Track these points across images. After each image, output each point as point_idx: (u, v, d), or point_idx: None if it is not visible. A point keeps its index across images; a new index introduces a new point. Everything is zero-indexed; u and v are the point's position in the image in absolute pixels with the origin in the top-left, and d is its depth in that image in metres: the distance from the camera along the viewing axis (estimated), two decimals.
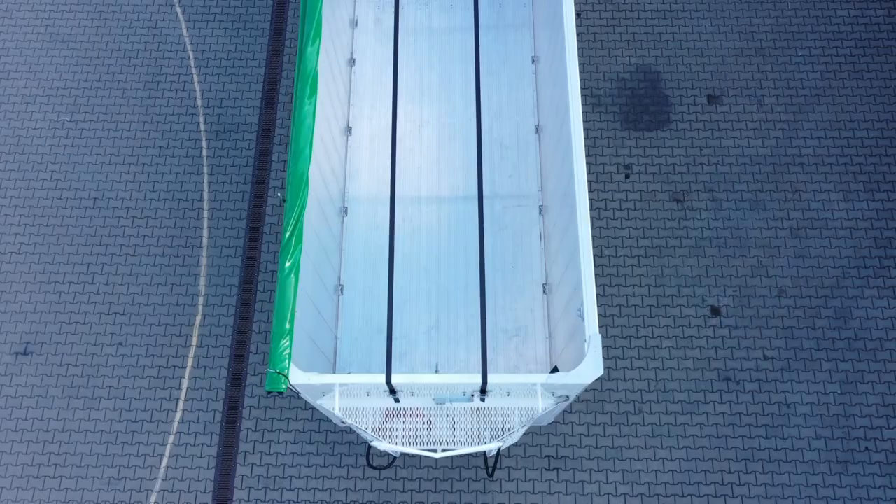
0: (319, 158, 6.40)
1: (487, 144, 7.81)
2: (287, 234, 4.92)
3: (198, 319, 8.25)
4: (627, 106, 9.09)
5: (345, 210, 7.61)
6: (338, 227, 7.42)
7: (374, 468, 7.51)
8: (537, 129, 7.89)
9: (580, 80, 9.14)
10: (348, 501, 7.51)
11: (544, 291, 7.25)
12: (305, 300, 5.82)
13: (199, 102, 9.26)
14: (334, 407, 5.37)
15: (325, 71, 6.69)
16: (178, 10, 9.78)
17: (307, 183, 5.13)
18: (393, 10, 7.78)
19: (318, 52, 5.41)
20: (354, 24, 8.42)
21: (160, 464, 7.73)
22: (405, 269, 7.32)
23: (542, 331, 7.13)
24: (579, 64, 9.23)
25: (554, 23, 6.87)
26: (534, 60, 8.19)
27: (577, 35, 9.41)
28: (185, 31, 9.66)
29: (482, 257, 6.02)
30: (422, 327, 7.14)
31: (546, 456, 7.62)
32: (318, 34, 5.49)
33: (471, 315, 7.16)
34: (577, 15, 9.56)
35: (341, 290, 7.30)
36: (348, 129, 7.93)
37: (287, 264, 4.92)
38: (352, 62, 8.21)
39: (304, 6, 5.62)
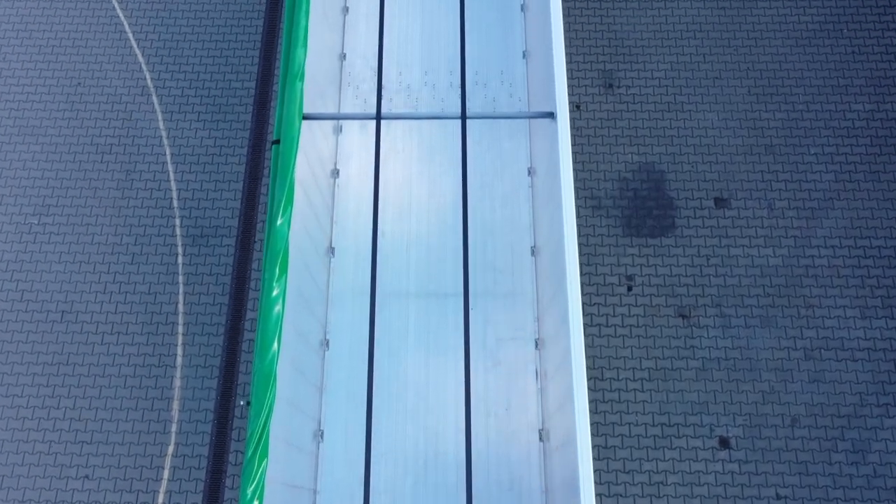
0: (299, 283, 5.88)
1: (480, 269, 7.28)
2: (251, 451, 4.38)
3: (170, 449, 7.70)
4: (630, 209, 8.56)
5: (326, 343, 7.08)
6: (318, 364, 6.88)
7: None
8: (533, 252, 7.36)
9: (578, 181, 8.63)
10: None
11: (541, 438, 6.72)
12: (279, 447, 5.29)
13: (175, 203, 8.72)
14: None
15: (308, 184, 6.14)
16: (155, 99, 9.25)
17: (275, 383, 4.59)
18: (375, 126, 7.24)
19: (289, 224, 4.88)
20: (339, 130, 7.89)
21: None
22: (387, 414, 6.78)
23: (539, 484, 6.59)
24: (578, 161, 8.71)
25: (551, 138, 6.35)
26: (530, 172, 7.66)
27: (576, 129, 8.90)
28: (161, 125, 9.12)
29: (468, 400, 5.47)
30: (408, 479, 6.60)
31: None
32: (291, 200, 4.96)
33: (462, 463, 6.62)
34: (576, 107, 9.04)
35: (321, 435, 6.76)
36: (331, 250, 7.40)
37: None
38: (335, 173, 7.68)
39: (274, 166, 5.09)
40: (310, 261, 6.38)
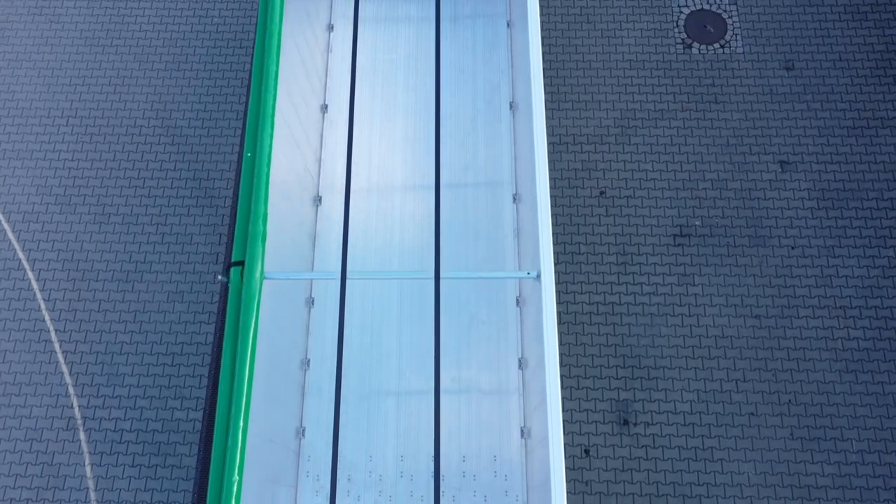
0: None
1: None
2: None
3: None
4: None
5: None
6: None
7: None
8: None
9: None
10: None
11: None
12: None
13: None
14: None
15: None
16: (82, 435, 7.75)
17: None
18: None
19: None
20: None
21: None
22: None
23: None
24: None
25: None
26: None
27: (585, 483, 7.41)
28: (88, 471, 7.61)
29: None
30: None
31: None
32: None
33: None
34: (585, 452, 7.56)
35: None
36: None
37: None
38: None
39: None
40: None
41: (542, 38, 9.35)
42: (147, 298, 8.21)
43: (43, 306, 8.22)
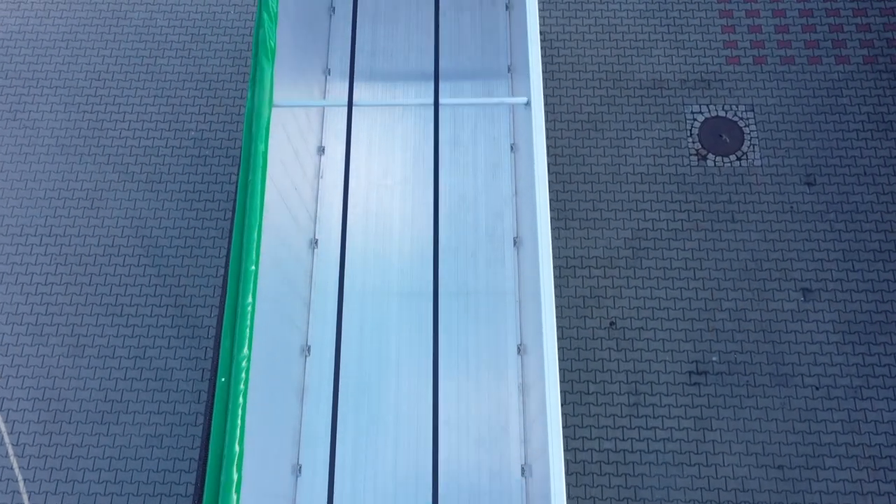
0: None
1: None
2: None
3: None
4: None
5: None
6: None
7: None
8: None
9: None
10: None
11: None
12: None
13: None
14: None
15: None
16: None
17: None
18: None
19: None
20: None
21: None
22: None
23: None
24: None
25: None
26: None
27: None
28: None
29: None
30: None
31: None
32: None
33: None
34: None
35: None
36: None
37: None
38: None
39: None
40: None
41: (547, 148, 8.80)
42: (123, 443, 7.63)
43: (11, 451, 7.64)
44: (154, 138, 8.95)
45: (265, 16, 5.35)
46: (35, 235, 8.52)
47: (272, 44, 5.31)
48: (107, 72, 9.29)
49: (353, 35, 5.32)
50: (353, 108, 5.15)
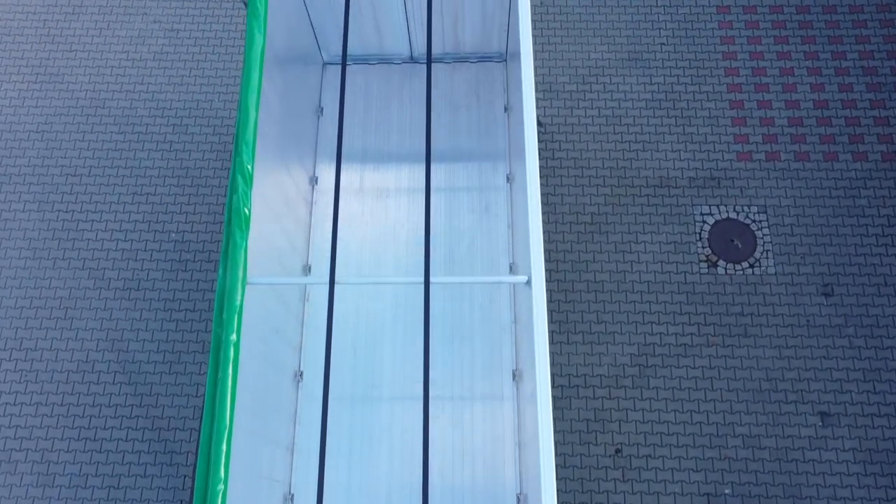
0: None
1: None
2: None
3: None
4: None
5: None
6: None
7: None
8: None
9: None
10: None
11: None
12: None
13: None
14: None
15: None
16: None
17: None
18: None
19: None
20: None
21: None
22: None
23: None
24: None
25: None
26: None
27: None
28: None
29: None
30: None
31: None
32: None
33: None
34: None
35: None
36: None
37: None
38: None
39: None
40: None
41: (547, 253, 8.31)
42: None
43: None
44: (132, 240, 8.46)
45: (239, 179, 4.85)
46: (5, 349, 8.02)
47: (247, 211, 4.82)
48: (83, 166, 8.80)
49: (339, 168, 4.83)
50: (335, 285, 4.66)
